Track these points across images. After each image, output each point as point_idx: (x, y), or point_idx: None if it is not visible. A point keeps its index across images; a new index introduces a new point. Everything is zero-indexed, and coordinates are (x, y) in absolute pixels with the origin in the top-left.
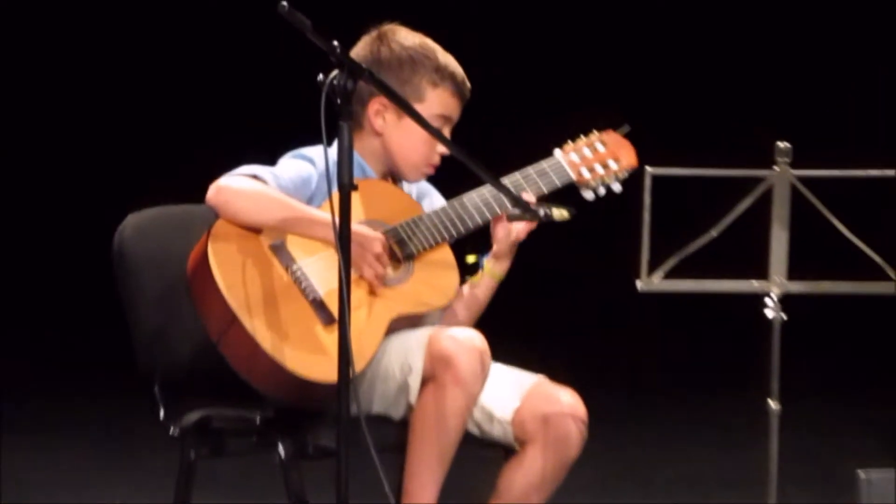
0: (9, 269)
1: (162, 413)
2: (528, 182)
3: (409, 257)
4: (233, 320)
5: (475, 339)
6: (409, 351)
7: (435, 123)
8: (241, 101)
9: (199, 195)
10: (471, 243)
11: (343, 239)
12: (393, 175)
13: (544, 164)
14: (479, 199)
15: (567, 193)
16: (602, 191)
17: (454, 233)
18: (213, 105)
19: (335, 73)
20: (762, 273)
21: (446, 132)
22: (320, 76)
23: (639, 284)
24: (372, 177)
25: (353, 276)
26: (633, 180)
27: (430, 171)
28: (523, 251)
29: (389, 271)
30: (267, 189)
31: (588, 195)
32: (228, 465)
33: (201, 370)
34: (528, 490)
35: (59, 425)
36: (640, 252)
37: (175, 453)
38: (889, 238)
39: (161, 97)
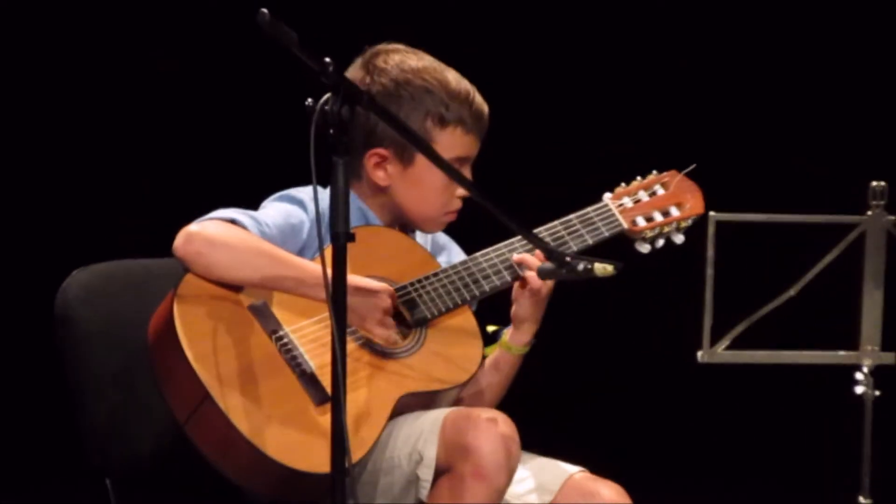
0: None
1: None
2: (571, 232)
3: (421, 322)
4: (204, 397)
5: (499, 423)
6: (420, 436)
7: None
8: (215, 130)
9: (161, 246)
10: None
11: (337, 300)
12: (403, 225)
13: (591, 211)
14: (509, 252)
15: (618, 246)
16: (660, 243)
17: (476, 293)
18: (180, 135)
19: (327, 96)
20: (851, 341)
21: (465, 172)
22: (309, 101)
23: (700, 355)
24: (376, 224)
25: (353, 345)
26: (694, 228)
27: (451, 218)
28: (557, 313)
29: (395, 336)
30: (249, 237)
31: (643, 248)
32: None
33: (165, 462)
34: None
35: None
36: (703, 315)
37: None
38: None
39: (113, 120)
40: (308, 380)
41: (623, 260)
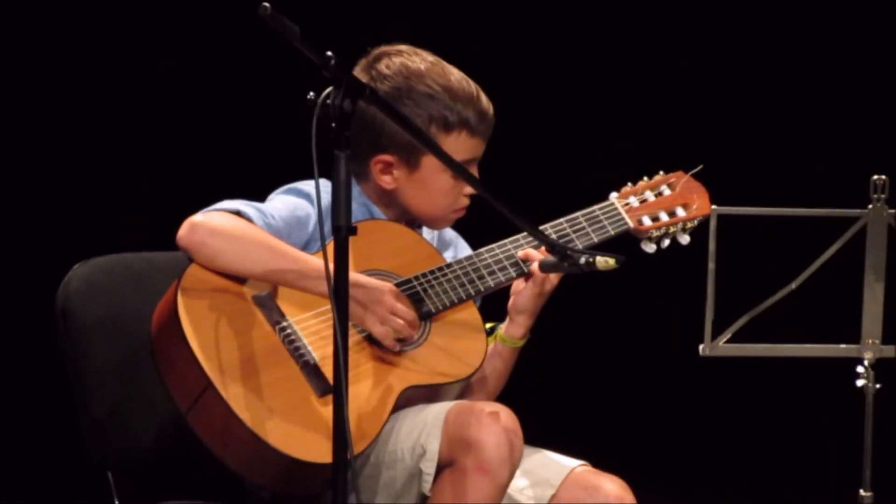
0: None
1: None
2: (576, 230)
3: (426, 317)
4: (206, 387)
5: (503, 417)
6: (423, 430)
7: (451, 173)
8: (218, 126)
9: (163, 240)
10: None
11: (339, 293)
12: (410, 221)
13: (597, 210)
14: (514, 248)
15: (623, 246)
16: (666, 243)
17: (481, 288)
18: (183, 127)
19: (329, 90)
20: (852, 334)
21: (472, 171)
22: (311, 94)
23: (702, 348)
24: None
25: (357, 337)
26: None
27: (459, 215)
28: (560, 307)
29: (395, 336)
30: (253, 229)
31: (649, 248)
32: None
33: (167, 454)
34: None
35: None
36: (705, 309)
37: None
38: None
39: (115, 113)
40: (311, 371)
41: (626, 254)
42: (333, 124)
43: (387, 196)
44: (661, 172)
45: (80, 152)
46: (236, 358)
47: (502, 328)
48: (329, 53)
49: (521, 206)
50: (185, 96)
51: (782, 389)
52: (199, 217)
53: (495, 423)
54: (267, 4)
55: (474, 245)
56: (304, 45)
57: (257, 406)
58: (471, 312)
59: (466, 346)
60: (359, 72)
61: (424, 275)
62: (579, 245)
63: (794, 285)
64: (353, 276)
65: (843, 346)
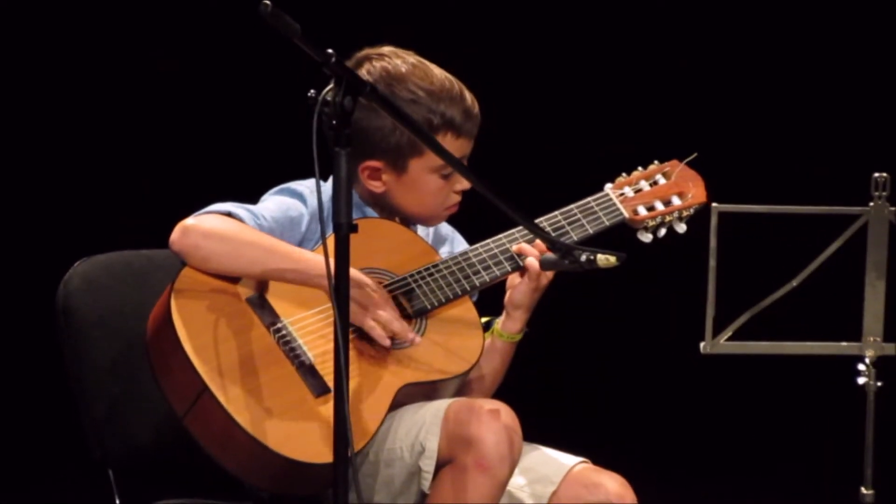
0: None
1: None
2: (571, 222)
3: (421, 313)
4: (202, 390)
5: (502, 414)
6: (422, 428)
7: (440, 174)
8: (219, 122)
9: (163, 237)
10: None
11: (340, 290)
12: (404, 218)
13: (591, 201)
14: (509, 243)
15: (621, 237)
16: (662, 232)
17: (476, 283)
18: (183, 127)
19: (330, 87)
20: (854, 332)
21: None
22: (311, 92)
23: (703, 346)
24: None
25: (352, 335)
26: (697, 219)
27: (451, 212)
28: (560, 303)
29: (399, 326)
30: (245, 229)
31: (645, 237)
32: None
33: (168, 452)
34: None
35: None
36: (706, 306)
37: None
38: None
39: (115, 113)
40: (307, 371)
41: (627, 252)
42: (334, 122)
43: (377, 198)
44: (656, 162)
45: (81, 151)
46: (232, 360)
47: (499, 323)
48: (330, 51)
49: (519, 202)
50: (185, 96)
51: (783, 387)
52: (190, 220)
53: (495, 420)
54: (268, 3)
55: (471, 241)
56: (304, 42)
57: (254, 408)
58: (467, 308)
59: (463, 341)
60: None
61: (419, 272)
62: (574, 237)
63: (795, 283)
64: (351, 273)
65: (844, 343)
